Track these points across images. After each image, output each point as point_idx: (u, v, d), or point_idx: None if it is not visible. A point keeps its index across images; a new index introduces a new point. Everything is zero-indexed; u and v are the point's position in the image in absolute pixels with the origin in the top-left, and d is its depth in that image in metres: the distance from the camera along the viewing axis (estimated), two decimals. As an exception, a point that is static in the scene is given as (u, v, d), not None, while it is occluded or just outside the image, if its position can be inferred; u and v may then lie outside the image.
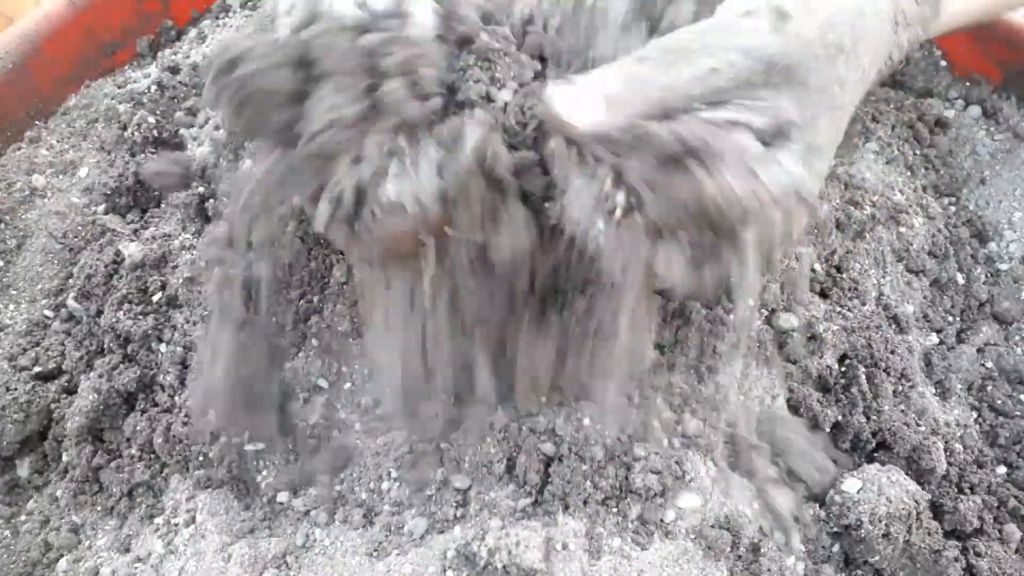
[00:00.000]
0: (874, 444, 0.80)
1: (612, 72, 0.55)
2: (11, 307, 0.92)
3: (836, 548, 0.72)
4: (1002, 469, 0.84)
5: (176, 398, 0.80)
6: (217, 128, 0.97)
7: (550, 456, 0.69)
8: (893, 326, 0.89)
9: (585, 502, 0.67)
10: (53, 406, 0.84)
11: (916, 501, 0.72)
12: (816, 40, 0.59)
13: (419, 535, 0.68)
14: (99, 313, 0.87)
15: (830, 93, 0.62)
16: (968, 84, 1.17)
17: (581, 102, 0.53)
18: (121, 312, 0.83)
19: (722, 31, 0.57)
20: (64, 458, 0.82)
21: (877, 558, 0.70)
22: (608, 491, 0.67)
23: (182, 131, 1.04)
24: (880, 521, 0.69)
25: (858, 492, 0.71)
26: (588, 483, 0.67)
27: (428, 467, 0.71)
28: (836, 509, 0.71)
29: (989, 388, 0.90)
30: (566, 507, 0.67)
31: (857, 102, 0.69)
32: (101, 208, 0.99)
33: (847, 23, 0.61)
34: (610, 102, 0.53)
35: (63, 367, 0.87)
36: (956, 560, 0.71)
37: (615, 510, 0.67)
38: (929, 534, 0.71)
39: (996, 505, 0.80)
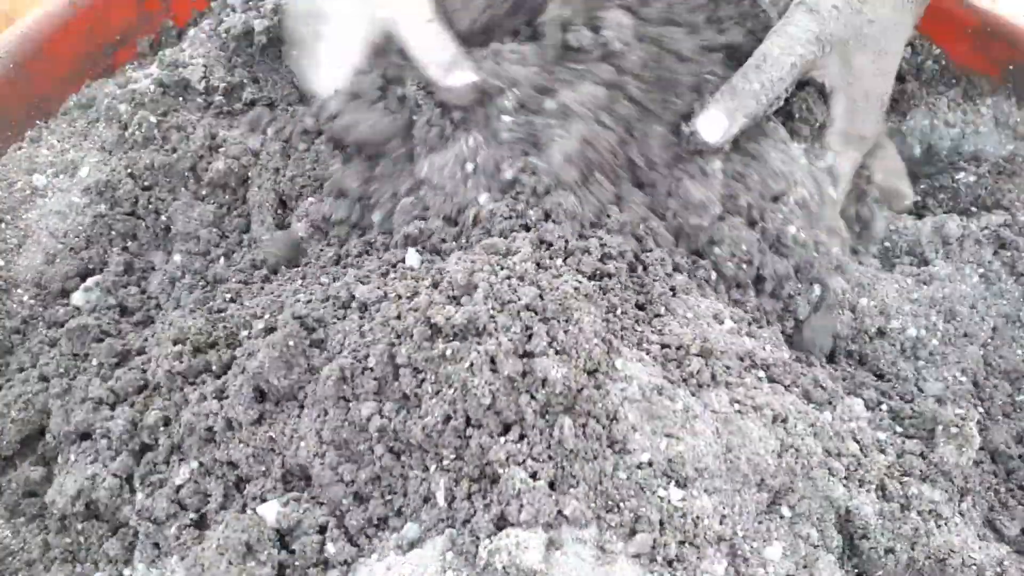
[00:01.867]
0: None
1: (727, 92, 0.86)
2: (12, 307, 0.92)
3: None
4: (1002, 469, 0.84)
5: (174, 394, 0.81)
6: None
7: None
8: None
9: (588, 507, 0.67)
10: (52, 405, 0.84)
11: (921, 511, 0.72)
12: (841, 3, 0.86)
13: (411, 540, 0.68)
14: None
15: (861, 34, 0.88)
16: (968, 84, 1.17)
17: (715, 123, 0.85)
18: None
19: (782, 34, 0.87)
20: (60, 459, 0.82)
21: (881, 573, 0.70)
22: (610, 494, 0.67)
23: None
24: (882, 536, 0.70)
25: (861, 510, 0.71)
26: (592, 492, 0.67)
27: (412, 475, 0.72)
28: (840, 524, 0.72)
29: (989, 388, 0.90)
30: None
31: (903, 23, 0.94)
32: (102, 208, 0.99)
33: None
34: (730, 115, 0.86)
35: (63, 366, 0.87)
36: (962, 567, 0.71)
37: (614, 511, 0.67)
38: (935, 544, 0.71)
39: (996, 506, 0.80)
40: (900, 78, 1.19)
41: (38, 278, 0.94)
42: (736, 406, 0.74)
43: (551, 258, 0.80)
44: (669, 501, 0.66)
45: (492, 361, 0.68)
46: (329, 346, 0.78)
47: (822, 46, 0.86)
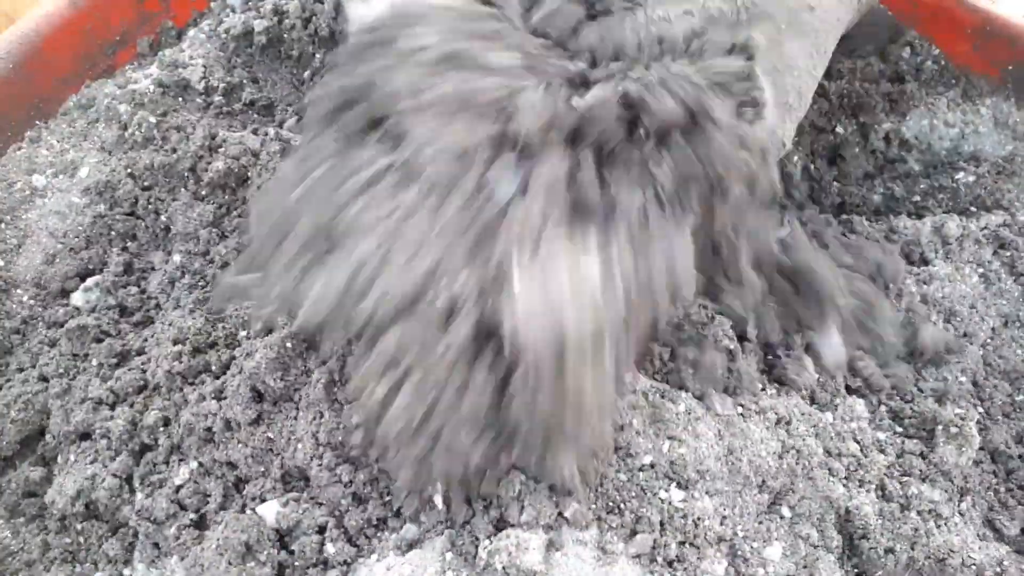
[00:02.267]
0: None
1: None
2: (12, 307, 0.92)
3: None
4: (1002, 469, 0.84)
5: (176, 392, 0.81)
6: None
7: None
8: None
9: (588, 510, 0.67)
10: (52, 405, 0.85)
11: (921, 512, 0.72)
12: None
13: (410, 540, 0.68)
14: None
15: (799, 20, 0.76)
16: (967, 84, 1.17)
17: None
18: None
19: None
20: (59, 459, 0.82)
21: (880, 573, 0.70)
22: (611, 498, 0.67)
23: None
24: (882, 536, 0.70)
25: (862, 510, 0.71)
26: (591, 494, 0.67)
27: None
28: (840, 524, 0.72)
29: (989, 388, 0.90)
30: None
31: (842, 19, 0.84)
32: (101, 208, 0.99)
33: None
34: None
35: (63, 366, 0.87)
36: (962, 567, 0.71)
37: (615, 513, 0.67)
38: (934, 543, 0.71)
39: (996, 506, 0.80)
40: (900, 78, 1.19)
41: (38, 278, 0.94)
42: (740, 409, 0.74)
43: None
44: (670, 502, 0.66)
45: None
46: (321, 349, 0.78)
47: (737, 11, 0.72)
